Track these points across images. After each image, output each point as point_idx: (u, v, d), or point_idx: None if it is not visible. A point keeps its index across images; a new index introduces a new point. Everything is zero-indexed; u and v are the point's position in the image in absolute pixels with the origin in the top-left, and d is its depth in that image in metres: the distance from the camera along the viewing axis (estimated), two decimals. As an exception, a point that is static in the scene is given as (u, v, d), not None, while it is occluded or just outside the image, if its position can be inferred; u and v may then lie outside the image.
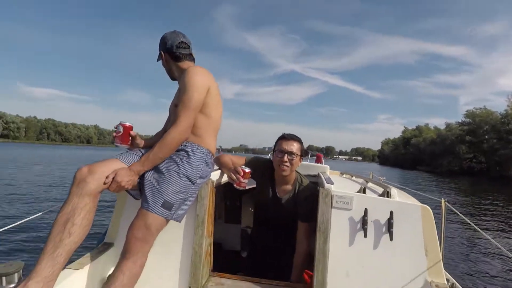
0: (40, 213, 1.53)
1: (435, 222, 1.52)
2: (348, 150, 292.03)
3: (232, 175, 1.77)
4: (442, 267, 1.50)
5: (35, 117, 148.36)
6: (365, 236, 1.50)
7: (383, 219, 1.51)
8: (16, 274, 1.18)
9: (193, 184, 1.52)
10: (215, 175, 1.84)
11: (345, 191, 1.58)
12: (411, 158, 70.85)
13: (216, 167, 1.95)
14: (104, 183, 1.34)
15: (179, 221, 1.52)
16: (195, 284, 1.56)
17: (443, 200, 1.97)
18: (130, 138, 1.57)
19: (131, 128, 1.56)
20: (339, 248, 1.54)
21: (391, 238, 1.47)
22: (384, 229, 1.51)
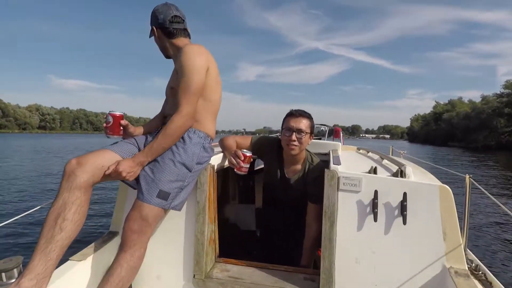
0: (38, 207, 1.54)
1: (460, 199, 1.35)
2: (375, 129, 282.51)
3: (232, 159, 1.68)
4: (463, 251, 1.36)
5: (67, 108, 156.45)
6: (375, 220, 1.38)
7: (396, 202, 1.38)
8: (15, 270, 1.19)
9: (190, 171, 1.45)
10: (216, 159, 1.76)
11: (353, 172, 1.45)
12: (443, 134, 67.41)
13: (217, 151, 1.87)
14: (105, 173, 1.31)
15: (178, 210, 1.48)
16: (199, 272, 1.54)
17: (467, 176, 1.76)
18: (121, 128, 1.51)
19: (121, 117, 1.49)
20: (347, 234, 1.44)
21: (404, 222, 1.34)
22: (396, 212, 1.38)
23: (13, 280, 1.15)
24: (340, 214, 1.44)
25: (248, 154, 1.66)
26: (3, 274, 1.17)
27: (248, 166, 1.67)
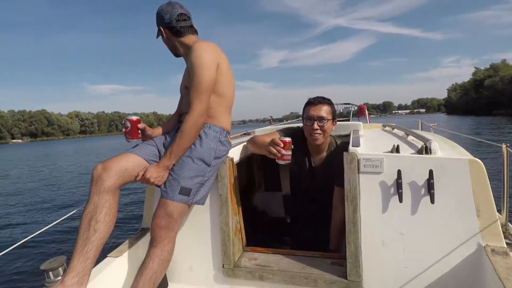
0: (75, 211, 1.66)
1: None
2: (409, 103, 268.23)
3: (272, 149, 1.49)
4: (500, 228, 1.28)
5: (103, 112, 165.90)
6: (400, 201, 1.33)
7: (421, 180, 1.32)
8: (61, 268, 1.31)
9: (209, 166, 1.49)
10: (235, 151, 1.79)
11: (373, 153, 1.40)
12: (486, 103, 62.49)
13: (234, 143, 1.89)
14: (135, 178, 1.40)
15: (202, 204, 1.52)
16: (227, 261, 1.59)
17: (504, 146, 1.63)
18: (139, 132, 1.57)
19: (138, 121, 1.56)
20: (372, 217, 1.40)
21: (432, 201, 1.28)
22: (423, 191, 1.32)
23: (59, 278, 1.26)
24: (363, 197, 1.40)
25: (287, 139, 1.49)
26: (51, 273, 1.29)
27: (290, 153, 1.50)
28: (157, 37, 1.62)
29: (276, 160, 1.50)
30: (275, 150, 1.48)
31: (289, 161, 1.50)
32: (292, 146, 1.51)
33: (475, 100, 71.25)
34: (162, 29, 1.58)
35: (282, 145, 1.47)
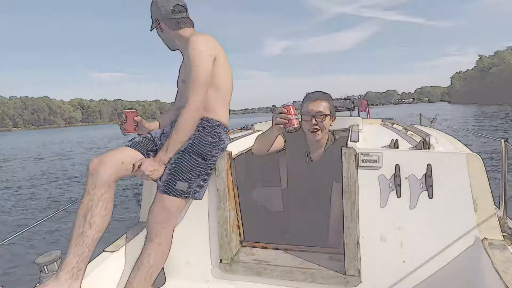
0: (70, 204, 1.65)
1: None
2: (412, 92, 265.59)
3: (279, 119, 1.47)
4: (498, 221, 1.29)
5: (106, 100, 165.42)
6: (398, 196, 1.33)
7: (419, 175, 1.32)
8: (56, 262, 1.30)
9: (206, 160, 1.47)
10: (234, 145, 1.76)
11: (372, 148, 1.40)
12: (490, 92, 61.87)
13: (233, 137, 1.85)
14: (131, 171, 1.37)
15: (199, 199, 1.51)
16: (225, 256, 1.58)
17: (502, 141, 1.64)
18: (136, 125, 1.55)
19: (135, 114, 1.54)
20: (370, 212, 1.40)
21: (430, 196, 1.29)
22: (421, 185, 1.32)
23: (54, 272, 1.26)
24: (361, 192, 1.40)
25: (289, 104, 1.47)
26: (45, 267, 1.28)
27: (297, 117, 1.48)
28: (151, 29, 1.58)
29: (286, 129, 1.47)
30: (281, 119, 1.46)
31: (298, 126, 1.48)
32: (296, 111, 1.50)
33: (479, 89, 70.56)
34: (158, 21, 1.53)
35: (286, 111, 1.46)
